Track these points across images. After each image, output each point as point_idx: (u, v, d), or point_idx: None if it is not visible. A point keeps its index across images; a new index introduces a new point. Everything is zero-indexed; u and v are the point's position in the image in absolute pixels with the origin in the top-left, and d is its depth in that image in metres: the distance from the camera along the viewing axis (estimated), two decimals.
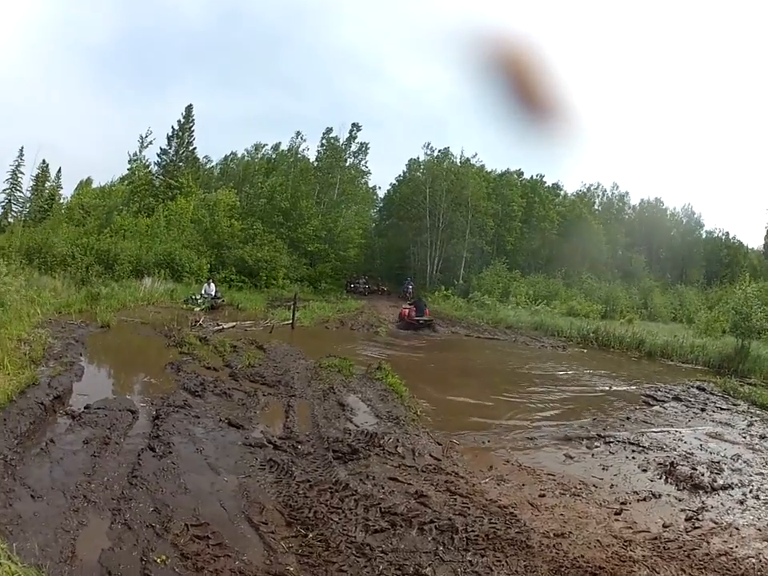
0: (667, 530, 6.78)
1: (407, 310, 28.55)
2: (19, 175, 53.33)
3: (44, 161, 54.68)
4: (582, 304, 39.93)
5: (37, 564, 4.58)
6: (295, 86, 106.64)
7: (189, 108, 47.72)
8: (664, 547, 6.23)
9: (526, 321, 32.78)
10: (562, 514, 7.02)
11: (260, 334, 19.89)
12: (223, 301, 27.68)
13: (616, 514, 7.16)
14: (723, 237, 63.72)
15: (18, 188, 53.39)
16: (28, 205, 53.38)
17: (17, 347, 11.86)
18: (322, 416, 10.52)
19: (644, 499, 7.81)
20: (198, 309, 24.33)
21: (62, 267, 27.57)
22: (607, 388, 16.07)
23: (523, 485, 8.02)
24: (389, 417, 10.85)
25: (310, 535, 5.90)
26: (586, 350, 25.17)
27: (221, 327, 20.24)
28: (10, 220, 50.65)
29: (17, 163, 53.12)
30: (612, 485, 8.31)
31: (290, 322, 23.35)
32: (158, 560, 5.16)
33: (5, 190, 52.97)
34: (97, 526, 5.68)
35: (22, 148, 53.01)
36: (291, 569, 5.28)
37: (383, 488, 7.33)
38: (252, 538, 5.80)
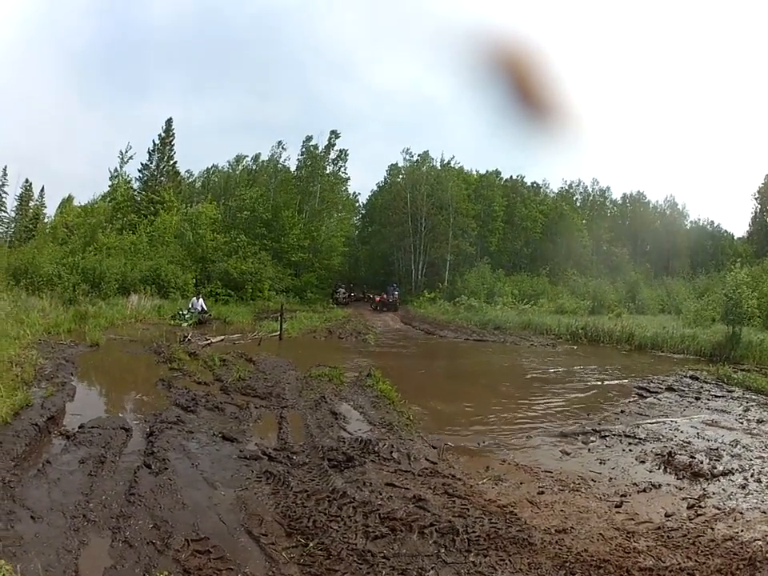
0: (670, 519, 6.76)
1: (380, 297, 43.17)
2: (3, 195, 52.88)
3: (27, 180, 54.31)
4: (570, 301, 40.14)
5: None
6: (271, 93, 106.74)
7: (169, 122, 47.86)
8: (668, 536, 6.20)
9: (514, 321, 32.98)
10: (562, 510, 7.00)
11: (249, 347, 19.82)
12: (210, 315, 27.63)
13: (617, 506, 7.14)
14: (708, 226, 64.28)
15: (3, 208, 52.91)
16: (13, 225, 52.89)
17: (8, 369, 11.75)
18: (315, 425, 10.46)
19: (644, 490, 7.80)
20: (185, 324, 24.28)
21: (48, 287, 27.46)
22: (599, 382, 16.10)
23: (521, 483, 8.00)
24: (382, 423, 10.82)
25: (311, 544, 5.85)
26: (576, 347, 25.31)
27: (209, 341, 20.14)
28: None
29: (0, 183, 52.70)
30: (611, 478, 8.30)
31: (278, 333, 23.28)
32: None
33: None
34: (98, 544, 5.62)
35: (6, 167, 52.60)
36: None
37: (381, 494, 7.28)
38: (253, 550, 5.74)
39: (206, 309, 27.52)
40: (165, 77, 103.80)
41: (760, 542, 5.97)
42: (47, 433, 8.80)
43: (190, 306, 27.03)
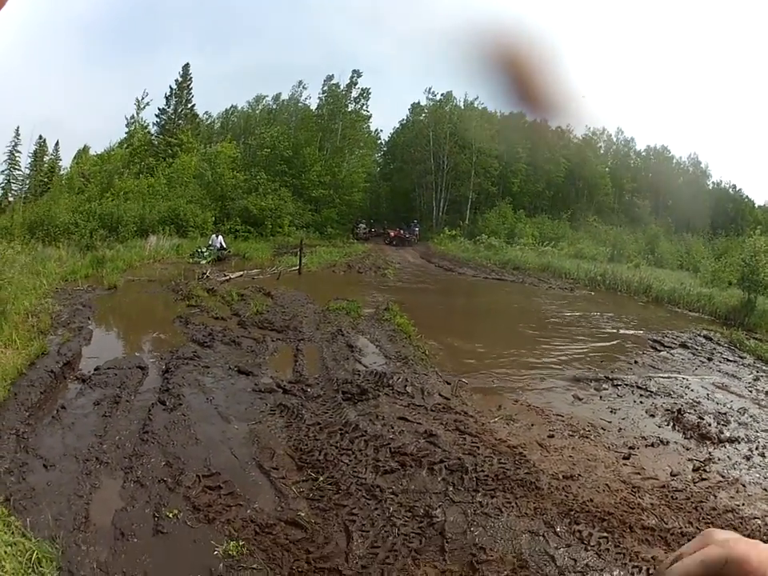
0: (675, 479, 6.75)
1: (395, 232, 43.63)
2: (17, 154, 52.59)
3: (41, 136, 53.82)
4: (590, 247, 39.91)
5: (51, 536, 4.57)
6: (290, 40, 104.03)
7: (186, 67, 47.31)
8: (672, 497, 6.20)
9: (534, 262, 33.06)
10: (570, 456, 7.05)
11: (267, 282, 19.92)
12: (229, 252, 27.68)
13: (624, 458, 7.16)
14: (731, 189, 63.00)
15: (17, 167, 52.71)
16: (27, 182, 52.69)
17: (24, 320, 11.73)
18: (330, 358, 10.59)
19: (652, 445, 7.79)
20: (204, 261, 24.27)
21: (65, 236, 27.11)
22: (615, 331, 16.08)
23: (532, 425, 8.07)
24: (397, 357, 10.92)
25: (321, 478, 5.95)
26: (593, 293, 25.21)
27: (228, 277, 20.27)
28: (10, 199, 49.93)
29: (14, 143, 52.34)
30: (620, 428, 8.33)
31: (297, 267, 23.37)
32: (170, 515, 5.18)
33: (3, 170, 52.23)
34: (110, 487, 5.69)
35: (18, 127, 52.16)
36: (302, 514, 5.32)
37: (393, 428, 7.39)
38: (263, 485, 5.85)
39: (224, 246, 27.52)
40: (182, 30, 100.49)
41: (759, 521, 5.91)
42: (63, 379, 8.81)
43: (210, 243, 27.06)
